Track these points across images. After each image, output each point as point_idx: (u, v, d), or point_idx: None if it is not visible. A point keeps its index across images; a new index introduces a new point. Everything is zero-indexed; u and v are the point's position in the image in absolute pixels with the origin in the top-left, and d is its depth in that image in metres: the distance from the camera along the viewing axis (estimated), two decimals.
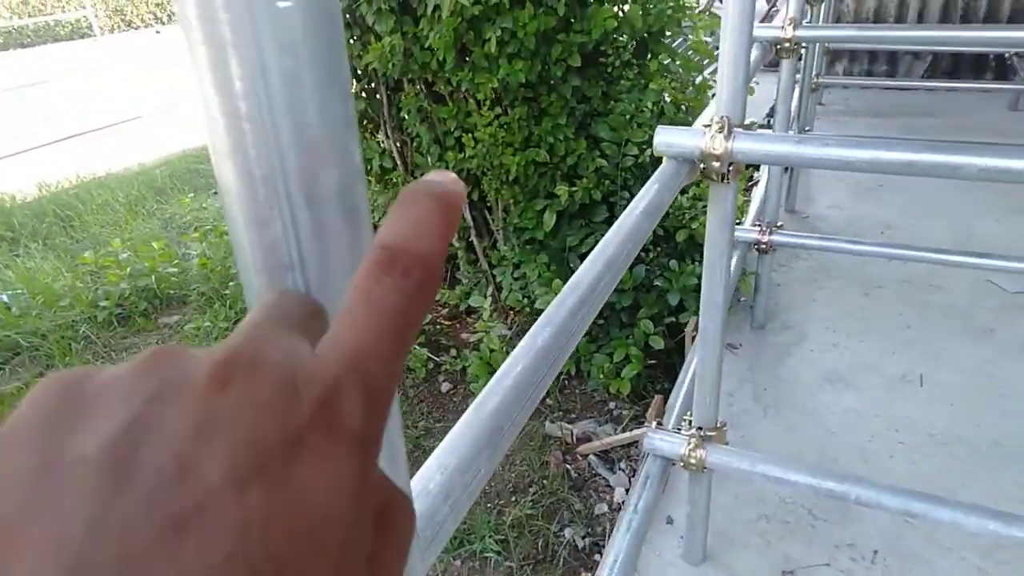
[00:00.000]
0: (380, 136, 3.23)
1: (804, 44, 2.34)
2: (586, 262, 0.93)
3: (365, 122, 3.26)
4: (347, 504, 0.17)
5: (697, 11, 3.90)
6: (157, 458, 0.16)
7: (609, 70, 2.69)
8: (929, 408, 2.23)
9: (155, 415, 0.17)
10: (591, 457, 2.37)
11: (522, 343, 0.74)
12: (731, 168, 1.28)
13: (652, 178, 1.20)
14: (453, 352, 2.87)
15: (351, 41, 2.89)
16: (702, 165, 1.28)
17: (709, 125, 1.27)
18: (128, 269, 3.62)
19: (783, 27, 2.23)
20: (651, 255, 2.78)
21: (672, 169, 1.26)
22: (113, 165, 6.25)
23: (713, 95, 2.12)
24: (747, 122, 1.33)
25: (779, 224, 2.57)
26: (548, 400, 2.66)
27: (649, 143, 2.70)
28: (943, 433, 2.12)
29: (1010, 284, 2.77)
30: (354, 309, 0.20)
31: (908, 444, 2.10)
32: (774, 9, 7.14)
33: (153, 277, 3.59)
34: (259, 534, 0.16)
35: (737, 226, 2.58)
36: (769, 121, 4.56)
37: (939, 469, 2.00)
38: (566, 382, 2.72)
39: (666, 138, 1.27)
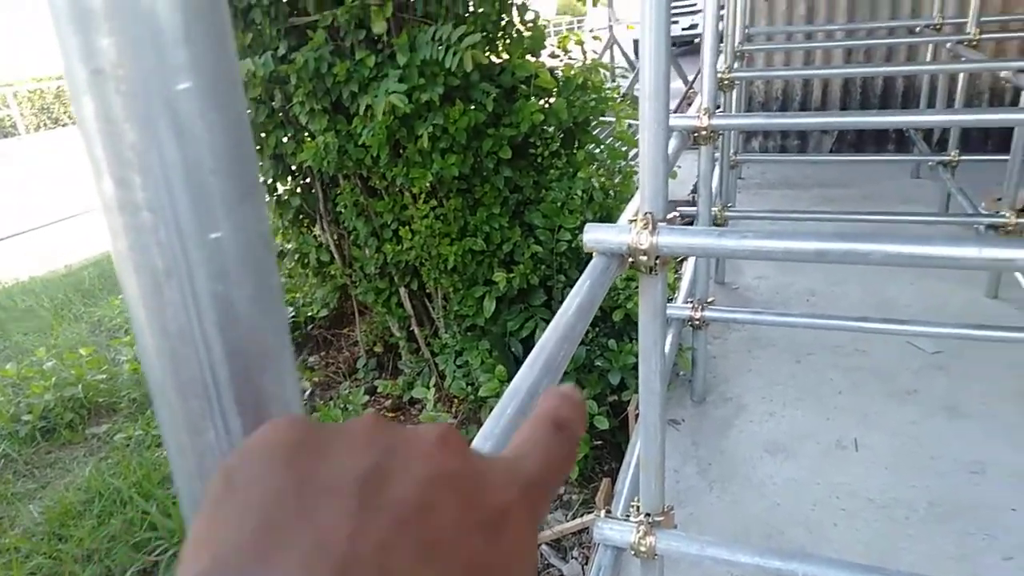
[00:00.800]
0: (316, 230, 3.24)
1: (719, 131, 2.49)
2: (524, 367, 0.95)
3: (301, 216, 3.27)
4: (531, 564, 0.23)
5: (620, 96, 4.12)
6: (402, 495, 0.20)
7: (539, 160, 2.79)
8: (866, 473, 2.29)
9: (395, 463, 0.21)
10: (543, 547, 2.33)
11: None
12: (658, 261, 1.33)
13: (583, 275, 1.24)
14: None
15: (285, 140, 2.93)
16: (630, 259, 1.33)
17: (635, 220, 1.33)
18: (53, 379, 3.46)
19: (699, 116, 2.37)
20: (590, 335, 2.83)
21: (602, 264, 1.31)
22: (38, 269, 6.05)
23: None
24: (669, 215, 1.39)
25: (710, 300, 2.66)
26: None
27: (581, 228, 2.79)
28: (881, 497, 2.18)
29: (928, 345, 2.92)
30: (544, 443, 0.27)
31: (849, 511, 2.15)
32: (692, 91, 7.58)
33: (80, 386, 3.43)
34: (481, 573, 0.20)
35: (670, 304, 2.66)
36: (694, 197, 4.77)
37: (880, 534, 2.05)
38: None
39: (595, 235, 1.32)
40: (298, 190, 3.17)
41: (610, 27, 8.82)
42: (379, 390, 3.17)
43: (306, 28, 2.55)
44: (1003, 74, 2.77)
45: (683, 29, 10.84)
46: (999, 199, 3.26)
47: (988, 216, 3.17)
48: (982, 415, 2.48)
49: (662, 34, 1.19)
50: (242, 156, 0.26)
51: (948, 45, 3.67)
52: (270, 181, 3.07)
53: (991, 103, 4.98)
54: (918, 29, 4.37)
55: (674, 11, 9.95)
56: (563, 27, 17.82)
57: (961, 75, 3.79)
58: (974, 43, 3.45)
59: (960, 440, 2.37)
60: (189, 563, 0.19)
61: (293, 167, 3.08)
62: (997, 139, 4.16)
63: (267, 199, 3.13)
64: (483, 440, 0.79)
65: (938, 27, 4.18)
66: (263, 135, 2.93)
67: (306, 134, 2.83)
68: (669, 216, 1.39)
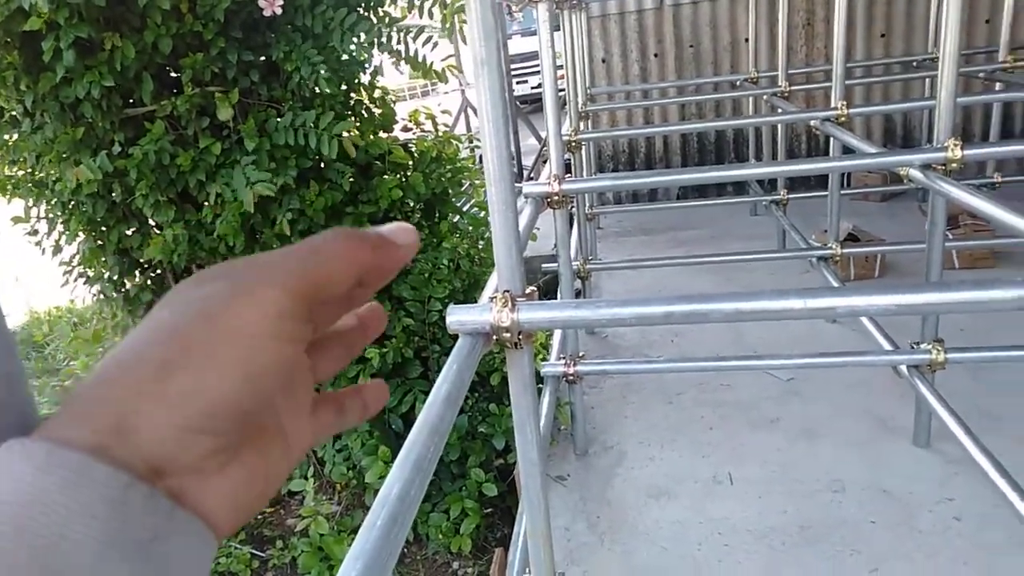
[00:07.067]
0: None
1: (571, 195, 2.60)
2: (394, 469, 0.93)
3: None
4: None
5: (478, 163, 4.23)
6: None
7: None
8: (742, 505, 2.40)
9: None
10: None
11: None
12: (521, 336, 1.36)
13: (450, 359, 1.25)
14: (280, 543, 2.66)
15: (129, 233, 2.77)
16: (495, 336, 1.35)
17: (495, 298, 1.36)
18: None
19: (549, 183, 2.47)
20: (469, 402, 2.83)
21: (467, 346, 1.32)
22: None
23: None
24: (528, 290, 1.43)
25: (581, 354, 2.74)
26: None
27: (451, 297, 2.81)
28: (758, 527, 2.29)
29: (783, 373, 3.14)
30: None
31: (731, 545, 2.24)
32: (546, 148, 7.91)
33: None
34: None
35: (544, 362, 2.72)
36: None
37: (762, 565, 2.14)
38: (405, 551, 2.62)
39: (458, 317, 1.34)
40: (149, 283, 2.99)
41: (462, 91, 9.08)
42: None
43: (143, 119, 2.45)
44: (812, 123, 3.09)
45: (532, 88, 11.34)
46: (825, 231, 3.61)
47: (819, 249, 3.49)
48: (835, 434, 2.68)
49: (501, 122, 1.24)
50: None
51: (765, 97, 4.06)
52: (116, 277, 2.88)
53: (808, 146, 5.54)
54: (738, 83, 4.81)
55: (524, 71, 10.35)
56: (417, 90, 18.17)
57: (780, 124, 4.20)
58: (786, 94, 3.84)
59: (820, 461, 2.55)
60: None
61: (141, 260, 2.90)
62: (818, 177, 4.62)
63: (115, 296, 2.93)
64: (354, 560, 0.77)
65: (754, 80, 4.62)
66: (104, 230, 2.75)
67: (152, 226, 2.69)
68: (528, 291, 1.43)
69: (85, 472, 0.23)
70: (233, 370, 0.26)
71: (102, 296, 2.96)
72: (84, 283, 2.97)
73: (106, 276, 2.89)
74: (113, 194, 2.62)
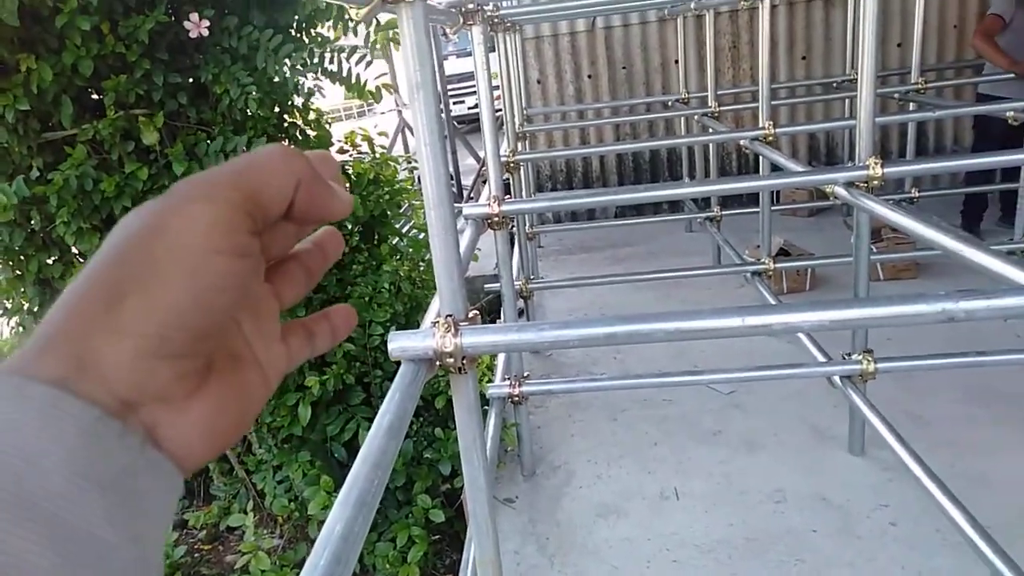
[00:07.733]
0: None
1: (511, 216, 2.60)
2: (336, 506, 0.90)
3: None
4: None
5: (417, 184, 4.20)
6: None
7: (340, 257, 2.75)
8: (689, 520, 2.43)
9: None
10: None
11: None
12: (465, 361, 1.34)
13: (392, 387, 1.22)
14: None
15: (51, 262, 2.64)
16: (438, 362, 1.33)
17: (437, 322, 1.34)
18: None
19: (489, 204, 2.47)
20: (415, 427, 2.78)
21: (411, 373, 1.29)
22: None
23: None
24: (472, 313, 1.41)
25: (526, 374, 2.73)
26: None
27: (393, 321, 2.77)
28: (705, 541, 2.31)
29: (724, 387, 3.19)
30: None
31: (680, 560, 2.26)
32: (485, 168, 7.93)
33: None
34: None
35: (489, 384, 2.70)
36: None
37: None
38: None
39: (400, 344, 1.31)
40: None
41: (399, 111, 9.05)
42: (190, 523, 2.87)
43: (63, 143, 2.34)
44: (742, 142, 3.19)
45: (468, 108, 11.38)
46: (758, 246, 3.72)
47: (753, 264, 3.58)
48: (775, 446, 2.74)
49: (438, 146, 1.23)
50: None
51: (696, 117, 4.17)
52: (36, 309, 2.73)
53: (739, 164, 5.71)
54: (670, 103, 4.94)
55: (460, 91, 10.36)
56: (353, 111, 18.01)
57: (711, 143, 4.32)
58: (716, 115, 3.96)
59: (762, 473, 2.60)
60: None
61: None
62: (750, 194, 4.76)
63: (35, 328, 2.77)
64: None
65: (685, 100, 4.75)
66: (22, 259, 2.62)
67: (75, 255, 2.57)
68: (471, 314, 1.41)
69: (56, 404, 0.23)
70: (180, 288, 0.26)
71: (21, 328, 2.81)
72: (2, 315, 2.82)
73: (25, 307, 2.74)
74: (32, 221, 2.49)
